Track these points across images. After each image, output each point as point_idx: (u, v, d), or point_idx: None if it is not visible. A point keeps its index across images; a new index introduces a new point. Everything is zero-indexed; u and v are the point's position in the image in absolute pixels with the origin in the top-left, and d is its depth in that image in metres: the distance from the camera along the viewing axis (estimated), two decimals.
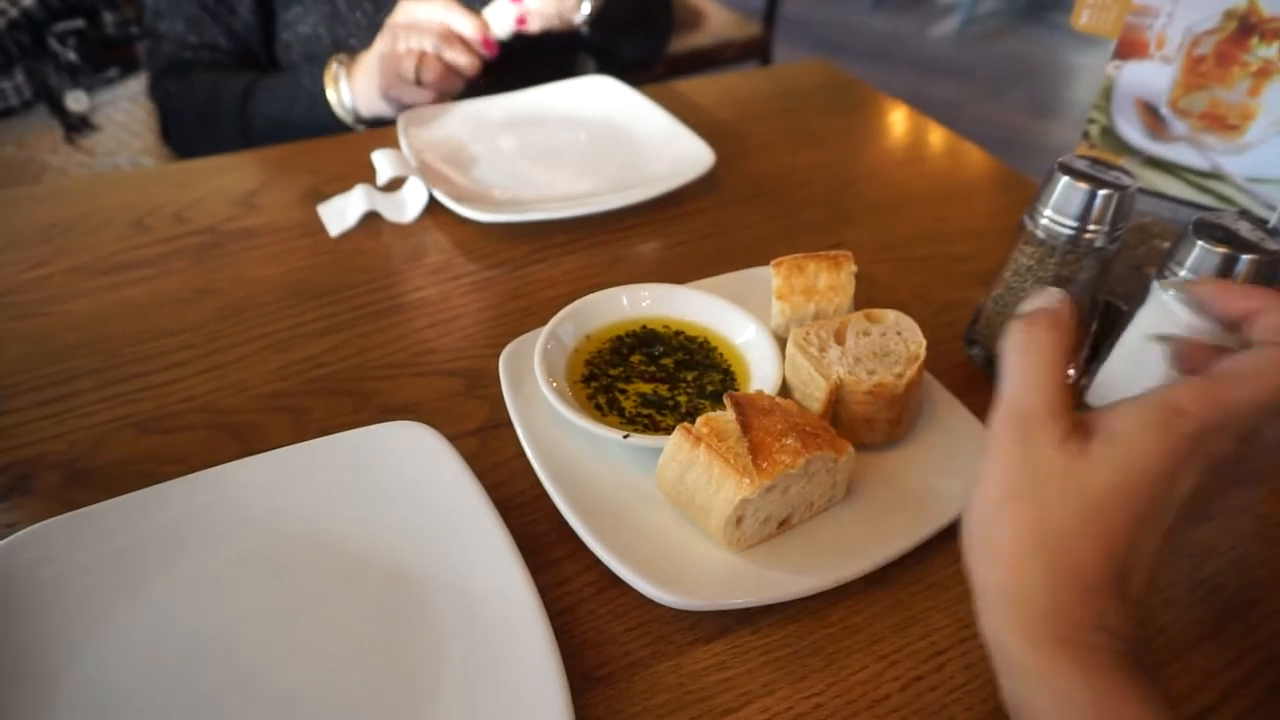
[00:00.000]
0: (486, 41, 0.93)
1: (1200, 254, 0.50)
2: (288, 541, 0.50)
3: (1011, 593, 0.36)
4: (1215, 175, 0.73)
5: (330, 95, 0.99)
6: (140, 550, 0.49)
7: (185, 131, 1.14)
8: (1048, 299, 0.41)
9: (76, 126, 1.18)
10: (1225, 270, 0.49)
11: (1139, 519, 0.36)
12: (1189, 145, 0.74)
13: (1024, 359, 0.39)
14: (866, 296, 0.66)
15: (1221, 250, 0.50)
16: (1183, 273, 0.50)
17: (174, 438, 0.59)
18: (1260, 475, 0.40)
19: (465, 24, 0.91)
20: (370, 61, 0.96)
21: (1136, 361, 0.46)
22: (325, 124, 1.01)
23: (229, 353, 0.66)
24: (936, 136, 1.04)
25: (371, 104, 0.98)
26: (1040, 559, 0.36)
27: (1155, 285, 0.46)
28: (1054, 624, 0.35)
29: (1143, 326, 0.46)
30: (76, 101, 1.18)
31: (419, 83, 0.92)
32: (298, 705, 0.43)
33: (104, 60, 1.22)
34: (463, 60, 0.92)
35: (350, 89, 0.99)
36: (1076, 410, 0.38)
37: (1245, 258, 0.49)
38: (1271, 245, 0.49)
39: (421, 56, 0.91)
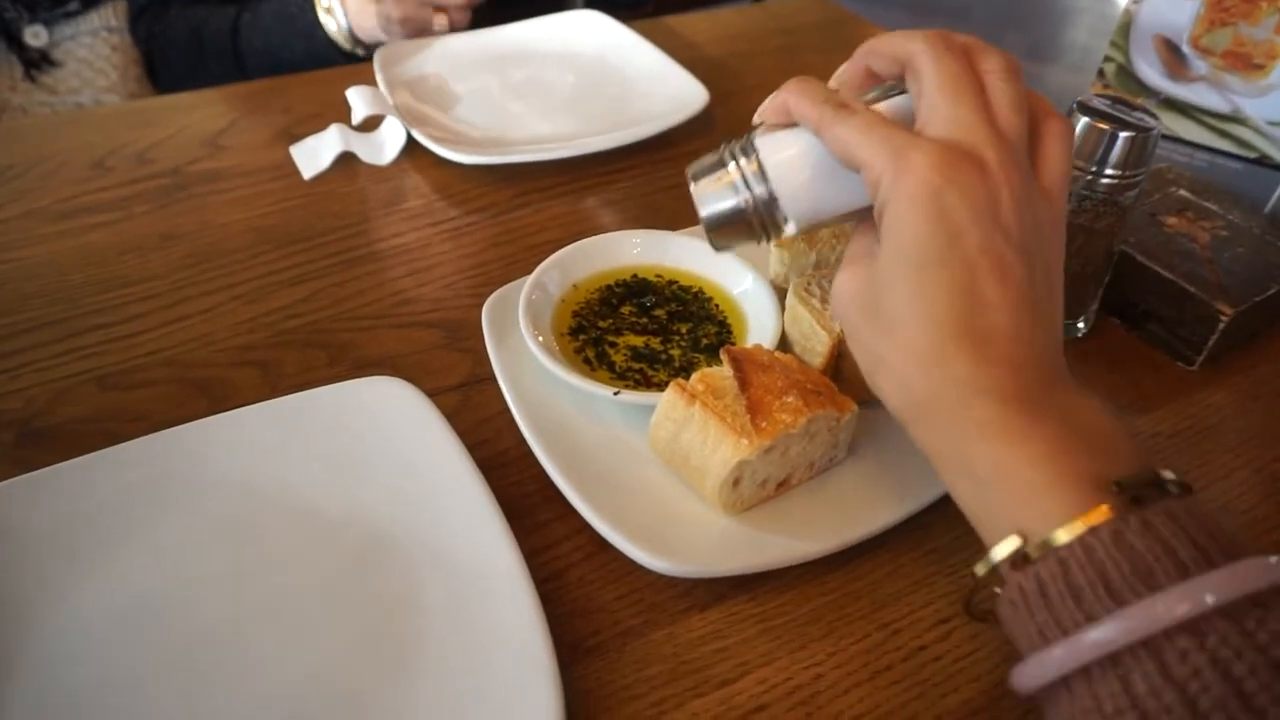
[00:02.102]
0: None
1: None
2: (258, 504, 0.47)
3: (896, 400, 0.38)
4: (1235, 118, 0.70)
5: (323, 19, 0.93)
6: (100, 514, 0.46)
7: (174, 73, 1.09)
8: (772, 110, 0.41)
9: (36, 63, 1.12)
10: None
11: (921, 267, 0.35)
12: (1209, 86, 0.70)
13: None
14: None
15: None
16: None
17: (136, 394, 0.55)
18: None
19: None
20: None
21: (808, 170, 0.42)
22: (320, 52, 0.95)
23: (195, 303, 0.62)
24: None
25: (362, 20, 0.92)
26: (881, 353, 0.37)
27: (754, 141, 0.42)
28: (933, 408, 0.36)
29: (783, 177, 0.42)
30: (35, 36, 1.12)
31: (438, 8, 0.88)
32: (269, 678, 0.40)
33: None
34: None
35: (346, 11, 0.93)
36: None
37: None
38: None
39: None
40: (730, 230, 0.43)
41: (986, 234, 0.35)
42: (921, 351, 0.36)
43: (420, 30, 0.92)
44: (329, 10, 0.94)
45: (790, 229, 0.42)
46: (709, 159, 0.43)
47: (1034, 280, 0.36)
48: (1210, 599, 0.27)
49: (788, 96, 0.40)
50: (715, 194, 0.42)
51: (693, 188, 0.43)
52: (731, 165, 0.41)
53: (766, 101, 0.42)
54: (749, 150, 0.41)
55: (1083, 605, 0.30)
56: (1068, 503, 0.31)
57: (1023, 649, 0.32)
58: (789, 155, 0.41)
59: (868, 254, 0.39)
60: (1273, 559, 0.29)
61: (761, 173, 0.41)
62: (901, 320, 0.36)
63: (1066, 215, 0.39)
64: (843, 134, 0.38)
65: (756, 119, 0.43)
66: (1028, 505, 0.32)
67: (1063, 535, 0.31)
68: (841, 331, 0.51)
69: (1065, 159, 0.39)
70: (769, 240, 0.43)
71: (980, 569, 0.34)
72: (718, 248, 0.44)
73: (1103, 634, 0.29)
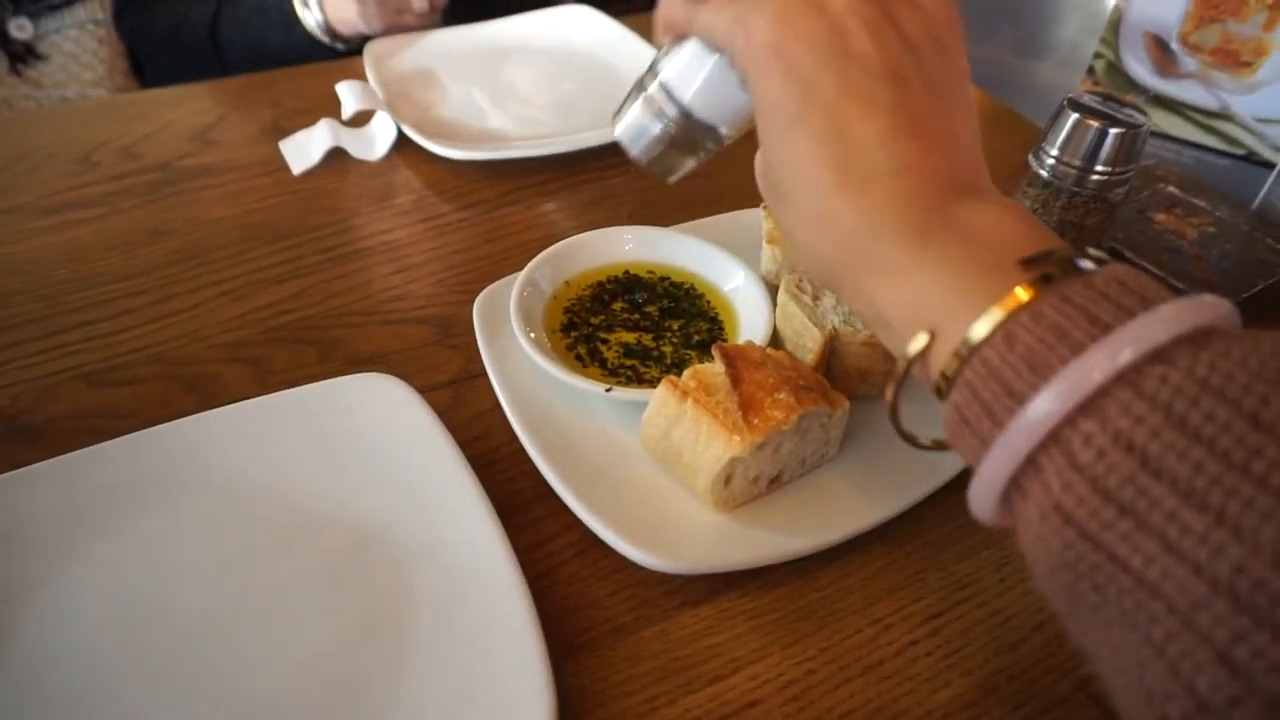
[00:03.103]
0: None
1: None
2: (247, 502, 0.47)
3: (796, 236, 0.36)
4: (1223, 115, 0.70)
5: (297, 7, 0.93)
6: (88, 511, 0.45)
7: (157, 68, 1.08)
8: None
9: (21, 56, 1.11)
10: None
11: (790, 122, 0.34)
12: (1198, 83, 0.70)
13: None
14: None
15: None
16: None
17: (124, 391, 0.55)
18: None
19: None
20: None
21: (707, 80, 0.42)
22: (300, 46, 0.95)
23: (183, 299, 0.62)
24: None
25: (339, 12, 0.91)
26: (801, 227, 0.36)
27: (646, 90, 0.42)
28: (846, 270, 0.34)
29: (684, 86, 0.42)
30: (20, 29, 1.11)
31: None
32: (259, 675, 0.40)
33: None
34: None
35: (320, 5, 0.92)
36: None
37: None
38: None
39: None
40: (665, 156, 0.42)
41: (839, 73, 0.34)
42: (814, 213, 0.35)
43: (399, 13, 0.91)
44: (305, 4, 0.93)
45: (724, 132, 0.42)
46: (624, 98, 0.43)
47: (911, 99, 0.34)
48: (1142, 345, 0.25)
49: (661, 6, 0.40)
50: (636, 126, 0.42)
51: (616, 130, 0.42)
52: (641, 94, 0.41)
53: (655, 19, 0.41)
54: (653, 73, 0.41)
55: (1014, 393, 0.28)
56: (977, 298, 0.30)
57: (974, 455, 0.30)
58: (683, 64, 0.40)
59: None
60: (1208, 297, 0.27)
61: (667, 91, 0.41)
62: (788, 187, 0.35)
63: (956, 18, 0.37)
64: (703, 23, 0.37)
65: (656, 41, 0.42)
66: (939, 316, 0.31)
67: (980, 328, 0.29)
68: (834, 328, 0.51)
69: None
70: (702, 155, 0.43)
71: (900, 366, 0.32)
72: (664, 177, 0.44)
73: (1037, 408, 0.26)
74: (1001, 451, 0.28)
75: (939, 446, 0.35)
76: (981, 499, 0.29)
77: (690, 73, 0.40)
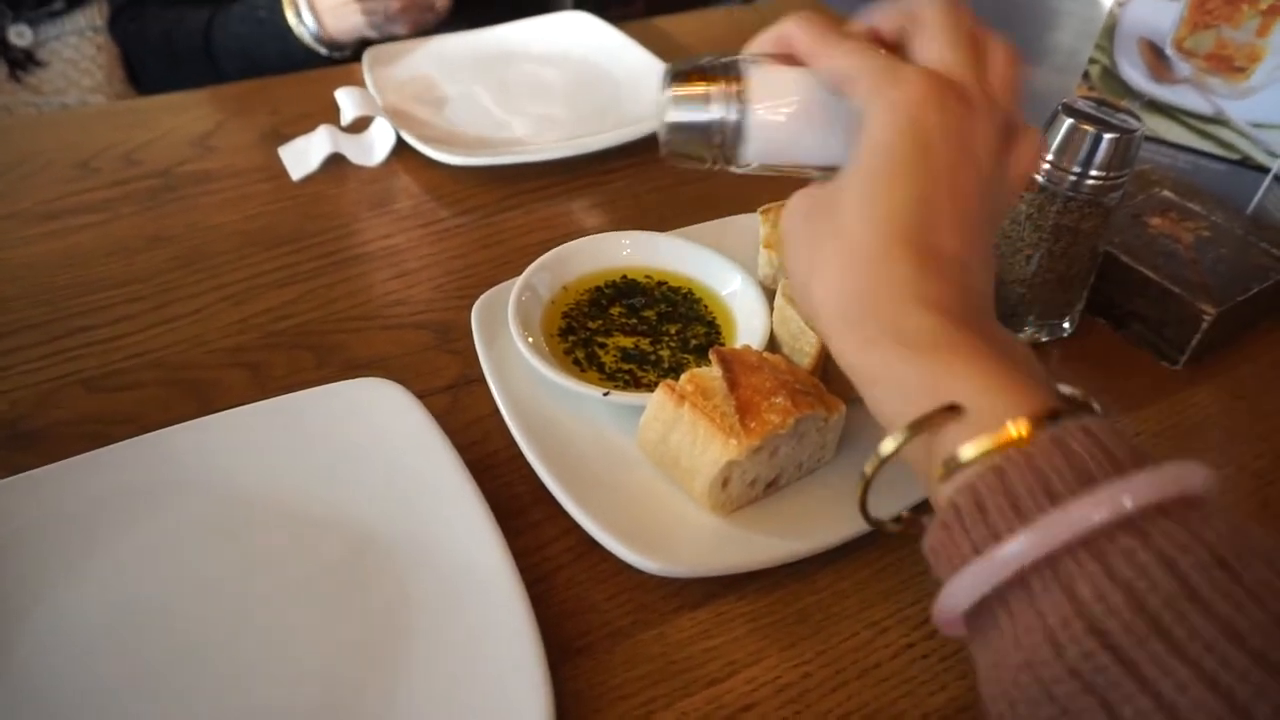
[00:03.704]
0: None
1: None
2: (247, 506, 0.47)
3: (831, 304, 0.36)
4: (1218, 120, 0.71)
5: (290, 20, 0.93)
6: (88, 517, 0.46)
7: (150, 74, 1.08)
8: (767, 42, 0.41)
9: (21, 63, 1.11)
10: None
11: (892, 175, 0.35)
12: (1192, 88, 0.71)
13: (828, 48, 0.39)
14: None
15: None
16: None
17: (124, 396, 0.55)
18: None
19: None
20: None
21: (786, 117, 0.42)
22: (294, 54, 0.95)
23: (183, 305, 0.62)
24: None
25: (340, 22, 0.92)
26: (834, 258, 0.36)
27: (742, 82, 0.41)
28: (874, 312, 0.34)
29: (762, 107, 0.42)
30: (20, 36, 1.11)
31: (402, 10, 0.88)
32: (259, 679, 0.40)
33: None
34: None
35: (311, 9, 0.92)
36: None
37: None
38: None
39: None
40: (686, 143, 0.42)
41: (957, 158, 0.35)
42: (868, 248, 0.35)
43: (422, 16, 0.91)
44: (298, 14, 0.93)
45: (747, 164, 0.42)
46: (690, 65, 0.41)
47: (983, 224, 0.37)
48: (1152, 494, 0.26)
49: (787, 26, 0.40)
50: (689, 103, 0.41)
51: (667, 89, 0.41)
52: (716, 83, 0.40)
53: (765, 31, 0.41)
54: (735, 71, 0.40)
55: (1021, 512, 0.28)
56: (1003, 407, 0.30)
57: (949, 571, 0.30)
58: (773, 88, 0.40)
59: (824, 185, 0.39)
60: (1200, 465, 0.28)
61: (741, 98, 0.40)
62: (852, 220, 0.36)
63: (1013, 215, 0.41)
64: (838, 58, 0.38)
65: (751, 48, 0.42)
66: (971, 398, 0.31)
67: (993, 440, 0.29)
68: None
69: (1031, 162, 0.39)
70: (715, 166, 0.43)
71: (886, 447, 0.33)
72: (668, 154, 0.43)
73: (1043, 535, 0.27)
74: (997, 564, 0.28)
75: (902, 529, 0.36)
76: (957, 601, 0.29)
77: (776, 102, 0.40)
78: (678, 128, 0.42)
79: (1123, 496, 0.26)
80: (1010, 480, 0.28)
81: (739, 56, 0.42)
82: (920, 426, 0.31)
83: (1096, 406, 0.33)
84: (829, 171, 0.41)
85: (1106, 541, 0.26)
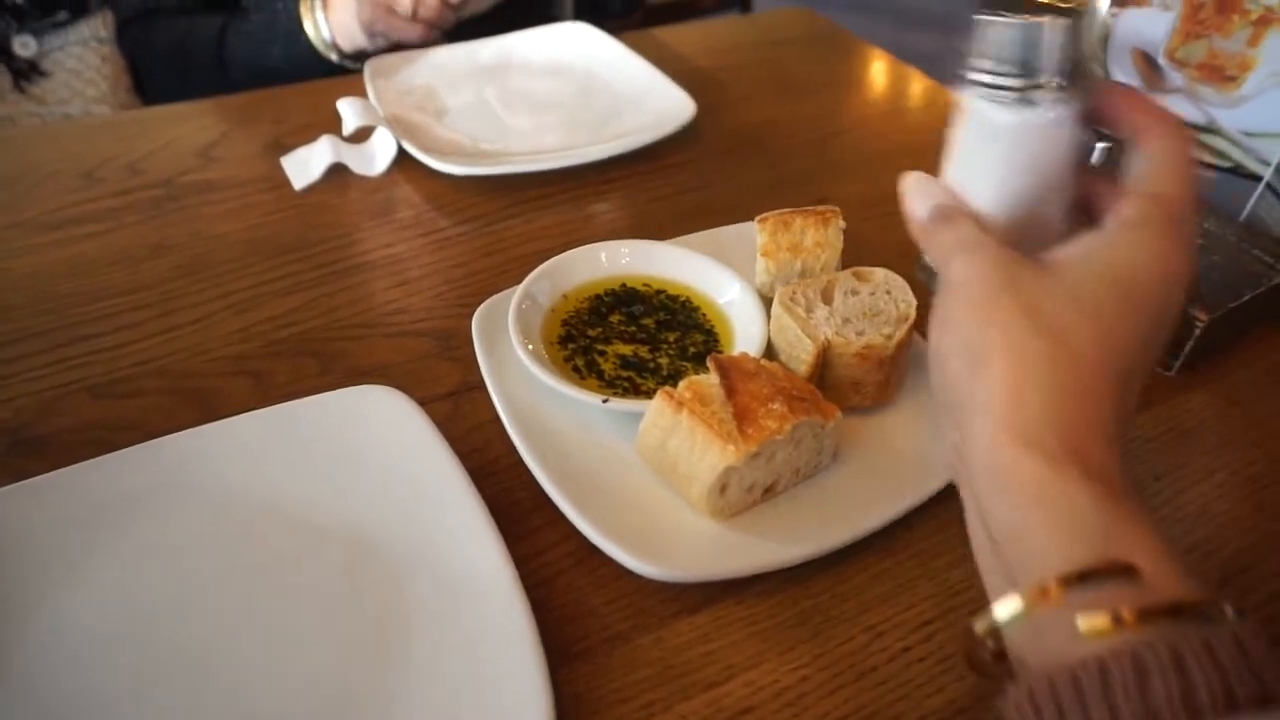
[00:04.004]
0: None
1: (1003, 31, 0.42)
2: (250, 512, 0.48)
3: (1011, 394, 0.32)
4: (1210, 129, 0.71)
5: (307, 27, 0.94)
6: (92, 522, 0.46)
7: (158, 83, 1.09)
8: (931, 194, 0.41)
9: (25, 73, 1.12)
10: (1031, 41, 0.40)
11: (1133, 312, 0.33)
12: (1185, 97, 0.71)
13: (956, 231, 0.38)
14: (854, 253, 0.64)
15: (1018, 20, 0.41)
16: (983, 64, 0.41)
17: (128, 403, 0.56)
18: None
19: None
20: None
21: (971, 173, 0.42)
22: (306, 63, 0.96)
23: (187, 313, 0.63)
24: (922, 87, 1.01)
25: (352, 37, 0.93)
26: (1038, 350, 0.32)
27: (963, 96, 0.41)
28: (1060, 430, 0.31)
29: (959, 147, 0.42)
30: (24, 47, 1.12)
31: (413, 17, 0.89)
32: (260, 685, 0.41)
33: (52, 2, 1.15)
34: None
35: (327, 20, 0.94)
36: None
37: (1048, 22, 0.40)
38: (1071, 4, 0.42)
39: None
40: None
41: (1173, 311, 0.35)
42: (1088, 375, 0.32)
43: (431, 30, 0.93)
44: (313, 20, 0.94)
45: None
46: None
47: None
48: None
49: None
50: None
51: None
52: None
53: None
54: None
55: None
56: (1174, 585, 0.27)
57: None
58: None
59: (1036, 269, 0.36)
60: None
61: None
62: (1084, 340, 0.32)
63: None
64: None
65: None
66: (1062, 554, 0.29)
67: (1101, 623, 0.26)
68: (826, 339, 0.51)
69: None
70: None
71: (980, 626, 0.30)
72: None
73: None
74: None
75: (987, 671, 0.32)
76: None
77: None
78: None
79: None
80: (1151, 682, 0.25)
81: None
82: (1091, 576, 0.28)
83: (1228, 610, 0.28)
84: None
85: None
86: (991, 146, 0.40)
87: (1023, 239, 0.39)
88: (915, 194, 0.41)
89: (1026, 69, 0.39)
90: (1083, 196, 0.41)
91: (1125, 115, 0.39)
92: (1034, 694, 0.27)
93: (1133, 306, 0.33)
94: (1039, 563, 0.29)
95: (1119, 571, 0.28)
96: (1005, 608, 0.29)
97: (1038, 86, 0.39)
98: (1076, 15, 0.38)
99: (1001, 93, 0.39)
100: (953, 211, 0.39)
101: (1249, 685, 0.25)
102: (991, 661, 0.32)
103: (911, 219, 0.41)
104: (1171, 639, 0.25)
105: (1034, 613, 0.29)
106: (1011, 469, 0.31)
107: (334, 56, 0.96)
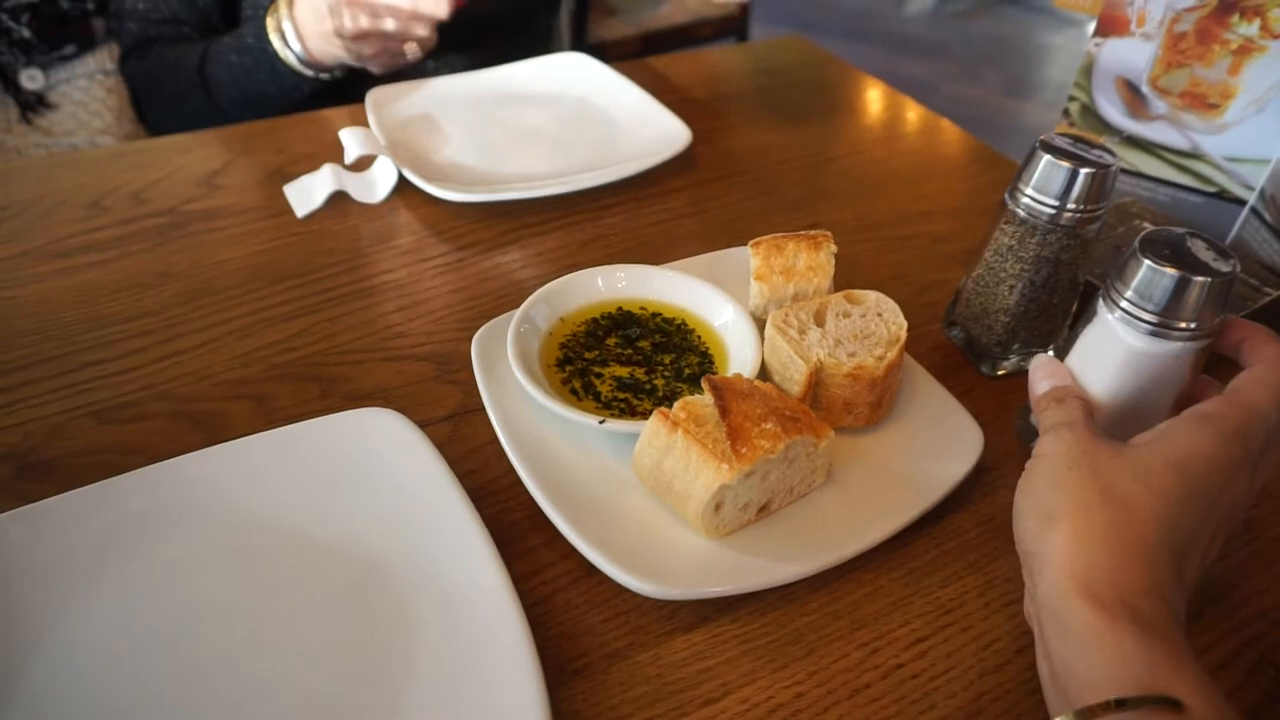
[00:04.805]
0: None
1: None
2: (252, 534, 0.48)
3: (1075, 556, 0.37)
4: (1195, 155, 0.73)
5: (275, 43, 0.94)
6: (99, 544, 0.47)
7: (156, 111, 1.11)
8: (1055, 374, 0.47)
9: (32, 105, 1.14)
10: (1179, 292, 0.43)
11: (1194, 494, 0.38)
12: (1169, 124, 0.73)
13: (1060, 412, 0.44)
14: (846, 277, 0.65)
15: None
16: (1129, 293, 0.45)
17: (133, 427, 0.57)
18: None
19: None
20: (311, 4, 0.90)
21: (1091, 368, 0.47)
22: (284, 80, 0.96)
23: (190, 338, 0.64)
24: (915, 115, 1.03)
25: (325, 47, 0.93)
26: (1100, 524, 0.37)
27: (1102, 306, 0.46)
28: (1117, 584, 0.35)
29: (1089, 344, 0.47)
30: (31, 80, 1.14)
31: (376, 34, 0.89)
32: (264, 703, 0.41)
33: (60, 37, 1.18)
34: (430, 5, 0.88)
35: (296, 32, 0.93)
36: None
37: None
38: (1223, 267, 0.44)
39: (369, 34, 0.88)
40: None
41: (1242, 496, 0.41)
42: (1146, 546, 0.37)
43: (394, 60, 0.93)
44: (284, 40, 0.94)
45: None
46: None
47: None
48: None
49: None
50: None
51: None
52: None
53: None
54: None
55: None
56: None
57: None
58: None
59: (1118, 450, 0.41)
60: None
61: None
62: (1146, 518, 0.38)
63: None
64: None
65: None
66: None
67: None
68: (819, 361, 0.52)
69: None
70: None
71: None
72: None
73: None
74: None
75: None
76: None
77: None
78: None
79: None
80: None
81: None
82: (1137, 704, 0.32)
83: None
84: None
85: None
86: (1116, 359, 0.45)
87: (1125, 428, 0.43)
88: (1040, 372, 0.47)
89: (1168, 311, 0.44)
90: (1186, 396, 0.46)
91: (1242, 346, 0.44)
92: None
93: (1190, 488, 0.38)
94: (1091, 694, 0.34)
95: (1163, 702, 0.32)
96: None
97: (1172, 326, 0.44)
98: (1225, 277, 0.43)
99: (1139, 322, 0.44)
100: (1067, 394, 0.45)
101: None
102: None
103: (1032, 393, 0.47)
104: None
105: None
106: (1072, 614, 0.36)
107: (309, 72, 0.95)
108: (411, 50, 0.91)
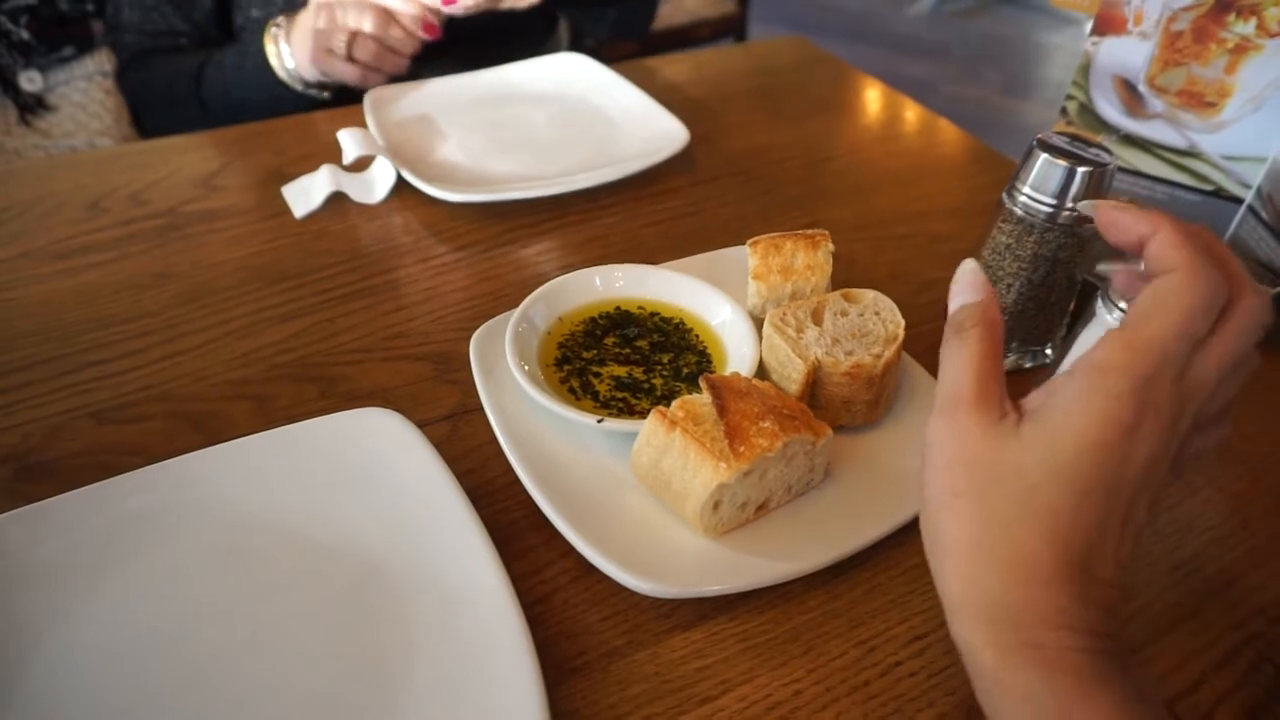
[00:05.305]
0: (427, 25, 0.91)
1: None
2: (251, 534, 0.48)
3: (968, 596, 0.35)
4: (1192, 153, 0.73)
5: (272, 60, 0.96)
6: (98, 545, 0.47)
7: (154, 122, 1.12)
8: (971, 287, 0.40)
9: (31, 107, 1.15)
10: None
11: (1083, 494, 0.34)
12: (1166, 123, 0.73)
13: (954, 356, 0.38)
14: (844, 276, 0.65)
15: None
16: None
17: (132, 428, 0.57)
18: (1216, 416, 0.38)
19: (401, 2, 0.89)
20: (305, 25, 0.92)
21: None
22: (276, 94, 0.97)
23: (189, 339, 0.64)
24: (913, 114, 1.03)
25: (311, 70, 0.94)
26: (987, 557, 0.35)
27: (1100, 305, 0.49)
28: (1016, 626, 0.34)
29: (1088, 344, 0.47)
30: (30, 81, 1.14)
31: (350, 59, 0.90)
32: (264, 702, 0.41)
33: (58, 39, 1.18)
34: (398, 41, 0.90)
35: (291, 53, 0.95)
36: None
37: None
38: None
39: (354, 36, 0.89)
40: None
41: (1153, 470, 0.35)
42: (1035, 565, 0.34)
43: (381, 65, 0.94)
44: (278, 55, 0.96)
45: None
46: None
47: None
48: None
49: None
50: None
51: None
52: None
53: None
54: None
55: None
56: None
57: None
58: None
59: (1009, 441, 0.36)
60: None
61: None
62: (1024, 533, 0.34)
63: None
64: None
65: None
66: None
67: None
68: (817, 359, 0.52)
69: (1241, 337, 0.37)
70: None
71: None
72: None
73: None
74: None
75: None
76: None
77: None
78: None
79: None
80: None
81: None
82: None
83: None
84: None
85: None
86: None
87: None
88: (954, 286, 0.41)
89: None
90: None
91: (1148, 245, 0.38)
92: None
93: (1085, 482, 0.34)
94: None
95: None
96: None
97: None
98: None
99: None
100: (966, 320, 0.39)
101: None
102: None
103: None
104: None
105: None
106: (978, 661, 0.34)
107: (299, 86, 0.97)
108: (395, 61, 0.92)
